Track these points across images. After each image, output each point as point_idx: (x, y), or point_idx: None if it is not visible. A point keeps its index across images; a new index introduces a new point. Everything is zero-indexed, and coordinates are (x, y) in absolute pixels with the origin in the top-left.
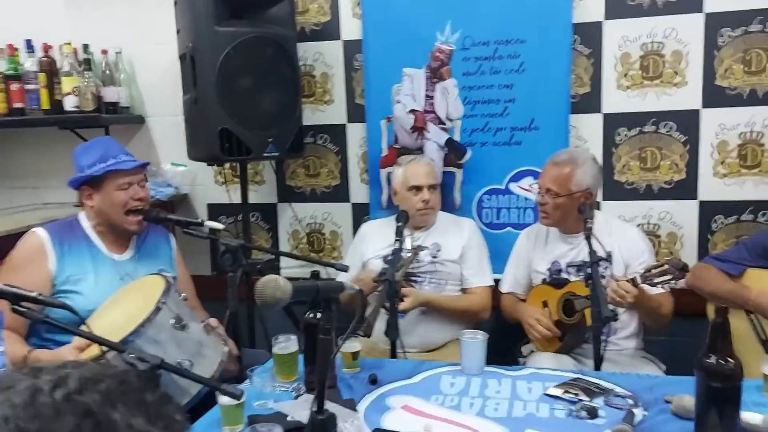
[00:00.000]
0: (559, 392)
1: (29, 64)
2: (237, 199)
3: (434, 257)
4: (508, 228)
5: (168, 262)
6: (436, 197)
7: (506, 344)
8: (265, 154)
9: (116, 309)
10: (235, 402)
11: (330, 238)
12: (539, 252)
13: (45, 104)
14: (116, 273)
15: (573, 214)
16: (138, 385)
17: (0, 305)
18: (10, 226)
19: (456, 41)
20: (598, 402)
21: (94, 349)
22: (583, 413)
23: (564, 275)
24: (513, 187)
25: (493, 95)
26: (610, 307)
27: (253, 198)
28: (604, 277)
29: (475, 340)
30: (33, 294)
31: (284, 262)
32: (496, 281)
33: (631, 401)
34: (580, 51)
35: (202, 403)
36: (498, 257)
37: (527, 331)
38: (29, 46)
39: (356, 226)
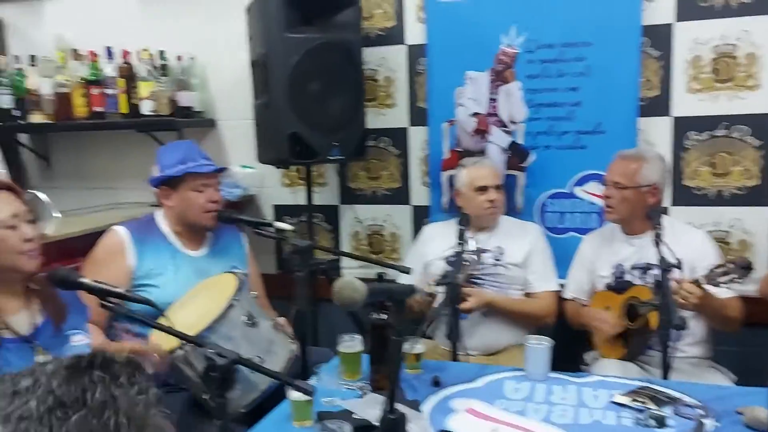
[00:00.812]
0: (626, 400)
1: (109, 69)
2: (301, 200)
3: (497, 260)
4: (572, 233)
5: (240, 259)
6: (502, 197)
7: (569, 351)
8: (330, 157)
9: (191, 306)
10: (306, 398)
11: (390, 240)
12: (603, 255)
13: (123, 108)
14: (192, 269)
15: (639, 211)
16: (72, 391)
17: (87, 299)
18: (89, 225)
19: (521, 44)
20: (667, 411)
21: (172, 342)
22: (651, 422)
23: (628, 277)
24: (578, 191)
25: (558, 98)
26: (680, 314)
27: (317, 200)
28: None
29: (541, 346)
30: (119, 290)
31: (345, 262)
32: (561, 286)
33: (701, 411)
34: (650, 53)
35: (269, 400)
36: (561, 262)
37: (595, 331)
38: (109, 53)
39: (416, 229)
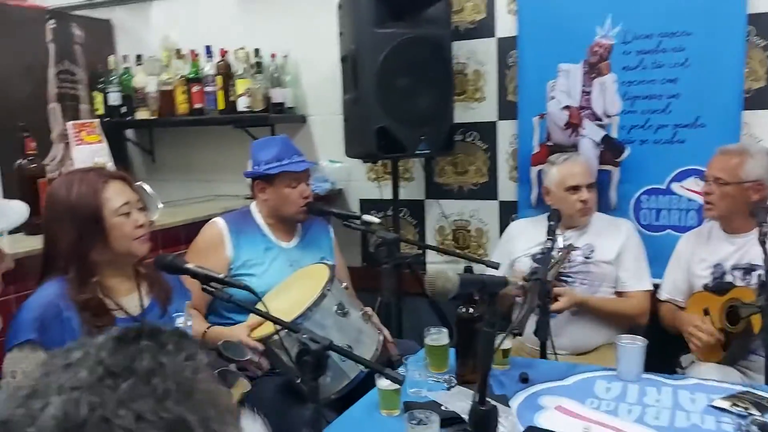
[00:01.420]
0: (726, 405)
1: (208, 68)
2: (387, 195)
3: (587, 258)
4: (668, 230)
5: (328, 251)
6: (594, 196)
7: (663, 352)
8: (418, 152)
9: (285, 294)
10: (394, 387)
11: (476, 236)
12: (701, 254)
13: (221, 105)
14: (285, 259)
15: (741, 208)
16: (121, 362)
17: (189, 285)
18: (189, 215)
19: (616, 35)
20: None
21: (268, 328)
22: (754, 429)
23: (728, 278)
24: (675, 187)
25: (655, 90)
26: None
27: (402, 194)
28: None
29: (634, 346)
30: (220, 276)
31: (430, 257)
32: (655, 286)
33: None
34: (755, 43)
35: (357, 388)
36: (656, 261)
37: (687, 339)
38: (208, 52)
39: (503, 224)
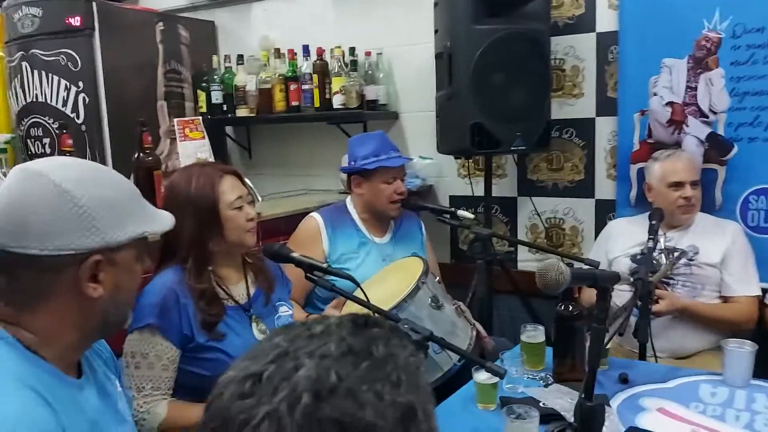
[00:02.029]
0: None
1: (305, 66)
2: (479, 191)
3: (691, 260)
4: None
5: (420, 246)
6: (698, 194)
7: None
8: (513, 148)
9: (379, 286)
10: (491, 382)
11: (570, 234)
12: None
13: (317, 102)
14: (378, 254)
15: None
16: (361, 343)
17: (290, 275)
18: (286, 208)
19: (725, 28)
20: None
21: None
22: None
23: None
24: None
25: (766, 86)
26: None
27: (494, 191)
28: None
29: (743, 350)
30: (323, 265)
31: (521, 255)
32: (764, 290)
33: None
34: None
35: (448, 383)
36: (764, 264)
37: None
38: (306, 51)
39: (599, 223)
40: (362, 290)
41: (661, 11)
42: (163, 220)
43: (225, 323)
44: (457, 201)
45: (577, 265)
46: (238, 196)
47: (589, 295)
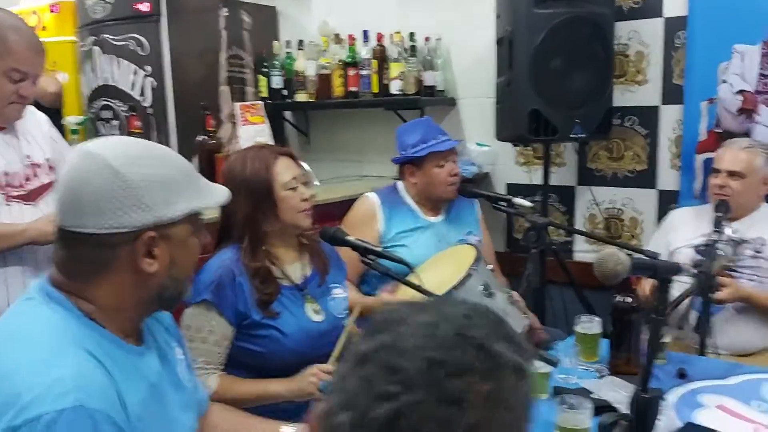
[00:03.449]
0: None
1: (364, 52)
2: (536, 179)
3: (758, 252)
4: None
5: (474, 224)
6: (737, 186)
7: None
8: (572, 135)
9: (433, 271)
10: (544, 371)
11: (629, 225)
12: None
13: (375, 88)
14: (433, 234)
15: None
16: (498, 319)
17: (345, 257)
18: (341, 193)
19: None
20: None
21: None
22: None
23: None
24: None
25: None
26: None
27: (552, 180)
28: None
29: None
30: (378, 249)
31: (578, 246)
32: None
33: None
34: None
35: None
36: None
37: None
38: (365, 36)
39: (660, 215)
40: (416, 273)
41: None
42: (216, 195)
43: (279, 302)
44: (514, 189)
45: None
46: (293, 176)
47: (644, 288)
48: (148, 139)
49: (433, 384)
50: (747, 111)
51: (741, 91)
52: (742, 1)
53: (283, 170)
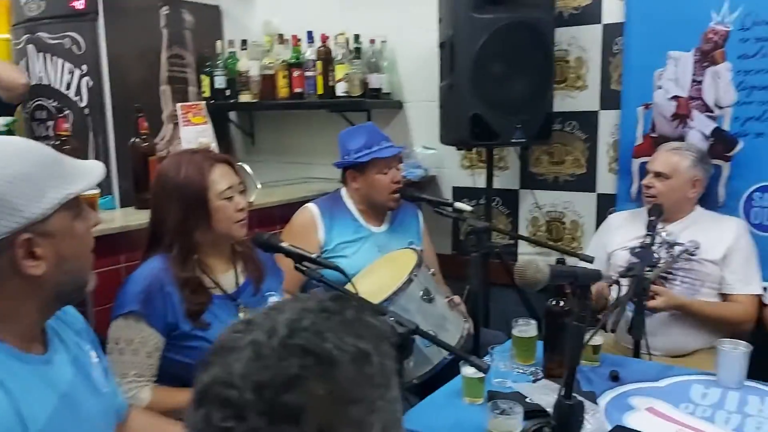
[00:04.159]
0: None
1: (309, 53)
2: (480, 183)
3: (691, 254)
4: None
5: (416, 234)
6: (662, 188)
7: None
8: (513, 140)
9: (372, 277)
10: (478, 375)
11: (570, 228)
12: None
13: (320, 89)
14: (374, 244)
15: None
16: (335, 307)
17: (282, 265)
18: (285, 196)
19: (734, 21)
20: None
21: None
22: None
23: None
24: None
25: None
26: None
27: (496, 183)
28: None
29: (737, 351)
30: (313, 255)
31: (522, 248)
32: (765, 290)
33: None
34: None
35: (438, 376)
36: (766, 263)
37: None
38: (310, 37)
39: (600, 218)
40: (351, 282)
41: (669, 3)
42: (89, 176)
43: (211, 312)
44: (459, 192)
45: (571, 260)
46: (229, 185)
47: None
48: (85, 142)
49: (265, 408)
50: (681, 116)
51: (675, 97)
52: (677, 9)
53: (219, 178)
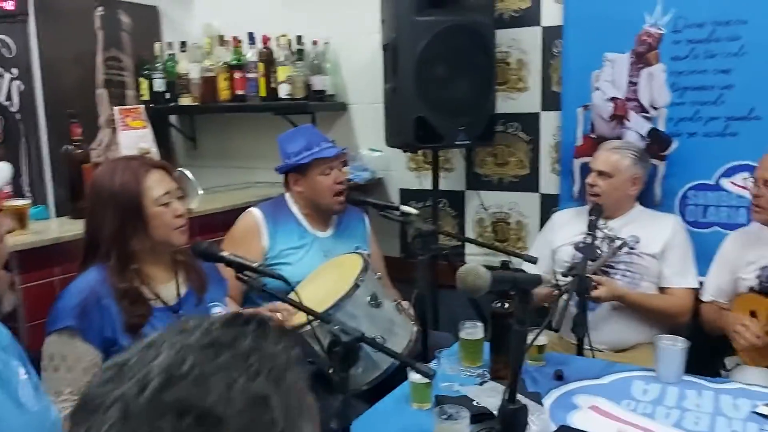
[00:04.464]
0: None
1: (250, 54)
2: (428, 185)
3: (632, 248)
4: (716, 227)
5: (363, 239)
6: (604, 187)
7: (706, 354)
8: (456, 142)
9: (317, 283)
10: (425, 381)
11: (515, 228)
12: (748, 256)
13: (262, 92)
14: (320, 249)
15: None
16: (226, 337)
17: (226, 274)
18: (228, 202)
19: (667, 23)
20: None
21: (301, 317)
22: None
23: None
24: (724, 182)
25: (706, 81)
26: None
27: (442, 185)
28: None
29: (675, 347)
30: (254, 265)
31: (469, 249)
32: (701, 284)
33: None
34: None
35: (389, 380)
36: (702, 259)
37: (733, 340)
38: (251, 39)
39: (544, 217)
40: (295, 291)
41: (604, 6)
42: None
43: (151, 324)
44: (407, 194)
45: (516, 260)
46: (166, 191)
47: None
48: (16, 148)
49: None
50: (618, 117)
51: (612, 98)
52: (613, 12)
53: (155, 184)
